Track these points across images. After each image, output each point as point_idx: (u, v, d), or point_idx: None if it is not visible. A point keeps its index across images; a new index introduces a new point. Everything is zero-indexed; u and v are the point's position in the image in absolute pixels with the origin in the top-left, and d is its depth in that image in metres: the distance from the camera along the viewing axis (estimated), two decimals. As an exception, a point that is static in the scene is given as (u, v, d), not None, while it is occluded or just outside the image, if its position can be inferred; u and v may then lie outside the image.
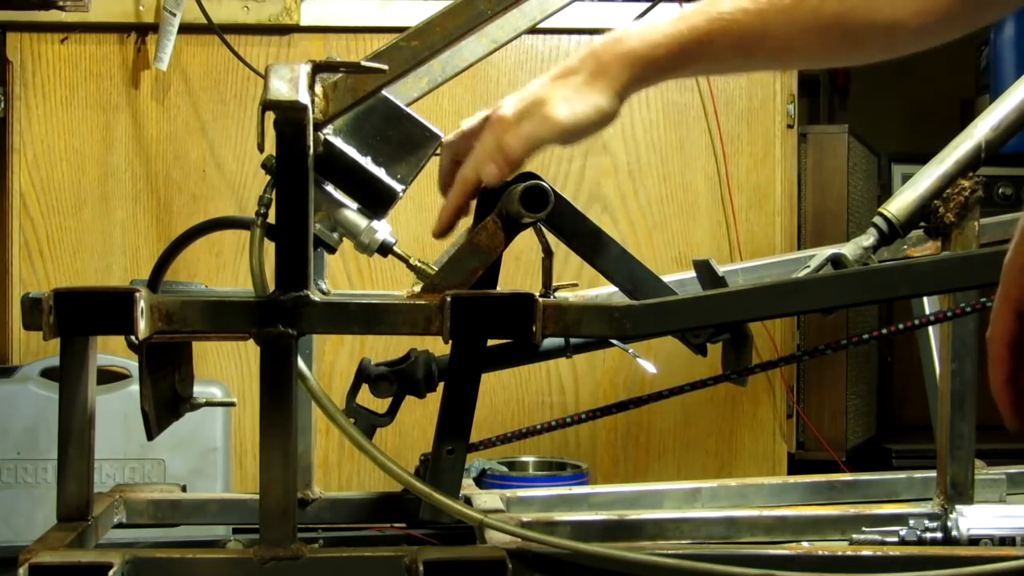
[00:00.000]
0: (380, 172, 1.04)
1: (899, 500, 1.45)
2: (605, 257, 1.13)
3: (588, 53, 1.01)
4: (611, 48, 0.99)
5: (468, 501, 1.24)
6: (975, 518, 1.30)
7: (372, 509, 1.31)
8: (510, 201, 1.01)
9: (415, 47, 0.99)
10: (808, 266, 1.21)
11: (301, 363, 0.98)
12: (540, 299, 0.98)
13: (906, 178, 1.35)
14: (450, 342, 1.01)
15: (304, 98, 0.91)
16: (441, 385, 1.11)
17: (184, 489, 1.29)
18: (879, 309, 2.42)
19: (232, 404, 1.30)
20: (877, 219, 1.27)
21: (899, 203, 1.27)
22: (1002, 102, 1.31)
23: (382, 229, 1.07)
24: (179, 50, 1.88)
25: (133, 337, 0.96)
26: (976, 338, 1.34)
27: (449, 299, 0.96)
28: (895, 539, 1.27)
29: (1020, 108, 1.30)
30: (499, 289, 1.05)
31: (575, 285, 1.23)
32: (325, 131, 1.02)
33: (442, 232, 1.07)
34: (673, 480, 1.51)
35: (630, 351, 1.27)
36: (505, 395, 1.99)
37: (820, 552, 1.04)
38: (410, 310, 0.98)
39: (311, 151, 0.95)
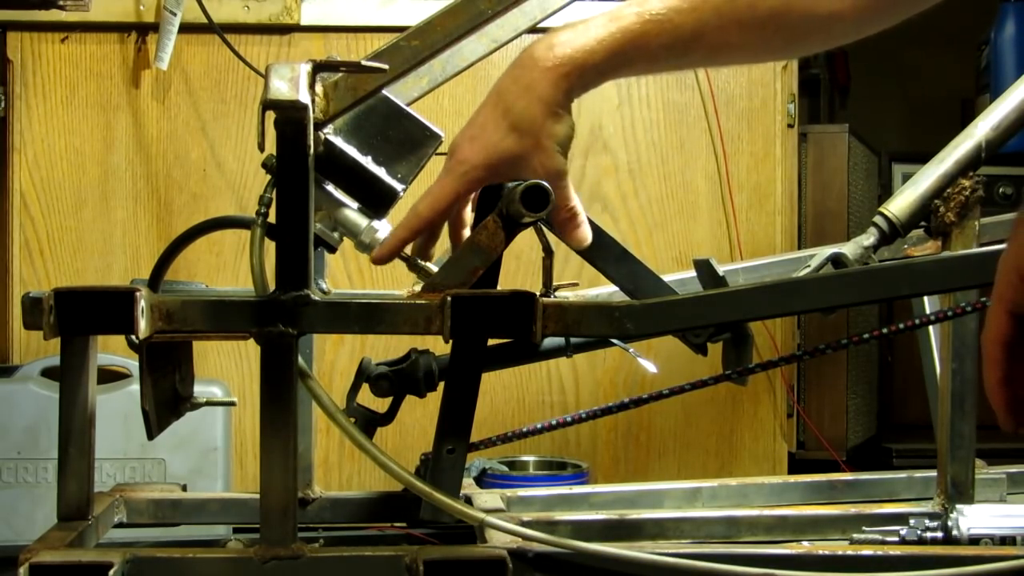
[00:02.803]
0: (381, 172, 1.04)
1: (899, 500, 1.45)
2: (605, 256, 1.13)
3: (519, 67, 0.99)
4: (543, 60, 0.97)
5: (468, 500, 1.24)
6: (975, 517, 1.30)
7: (372, 509, 1.31)
8: (511, 201, 1.01)
9: (415, 47, 0.99)
10: (808, 265, 1.21)
11: (302, 362, 0.98)
12: (541, 299, 0.98)
13: (906, 178, 1.35)
14: (450, 342, 1.01)
15: (304, 98, 0.91)
16: (441, 385, 1.11)
17: (184, 489, 1.29)
18: (879, 309, 2.42)
19: (232, 404, 1.30)
20: (877, 218, 1.27)
21: (899, 203, 1.27)
22: (1002, 102, 1.31)
23: (383, 229, 1.07)
24: (179, 50, 1.88)
25: (133, 336, 0.96)
26: (976, 337, 1.34)
27: (449, 299, 0.96)
28: (895, 539, 1.27)
29: (1020, 108, 1.30)
30: (499, 288, 1.05)
31: (575, 285, 1.23)
32: (325, 131, 1.02)
33: (380, 259, 1.04)
34: (673, 480, 1.50)
35: (630, 351, 1.27)
36: (505, 395, 1.99)
37: (820, 552, 1.04)
38: (410, 310, 0.98)
39: (311, 151, 0.95)
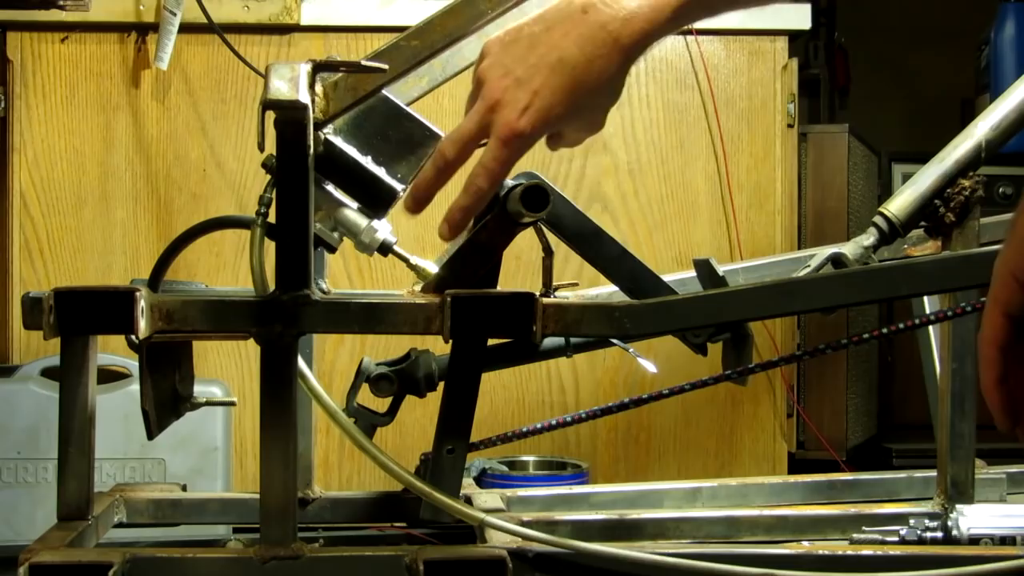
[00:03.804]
0: (380, 171, 1.04)
1: (899, 499, 1.45)
2: (605, 256, 1.13)
3: (590, 38, 0.92)
4: (620, 36, 0.92)
5: (468, 500, 1.24)
6: (975, 517, 1.30)
7: (372, 509, 1.31)
8: (510, 201, 1.01)
9: (415, 46, 0.99)
10: (808, 265, 1.21)
11: (301, 362, 0.98)
12: (541, 299, 0.98)
13: (906, 178, 1.35)
14: (450, 342, 1.01)
15: (304, 97, 0.91)
16: (441, 384, 1.12)
17: (184, 488, 1.29)
18: (879, 309, 2.42)
19: (232, 403, 1.30)
20: (877, 218, 1.27)
21: (899, 202, 1.27)
22: (1002, 101, 1.31)
23: (382, 228, 1.07)
24: (179, 49, 1.88)
25: (134, 336, 0.96)
26: (976, 337, 1.34)
27: (449, 299, 0.96)
28: (895, 538, 1.27)
29: (1020, 108, 1.30)
30: (499, 288, 1.05)
31: (575, 285, 1.23)
32: (325, 130, 1.02)
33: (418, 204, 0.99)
34: (673, 480, 1.50)
35: (630, 350, 1.27)
36: (505, 394, 1.99)
37: (820, 551, 1.04)
38: (410, 310, 0.98)
39: (311, 151, 0.95)
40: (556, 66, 0.93)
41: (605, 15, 0.92)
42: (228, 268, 1.93)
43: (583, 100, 0.94)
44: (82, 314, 0.94)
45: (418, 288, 1.05)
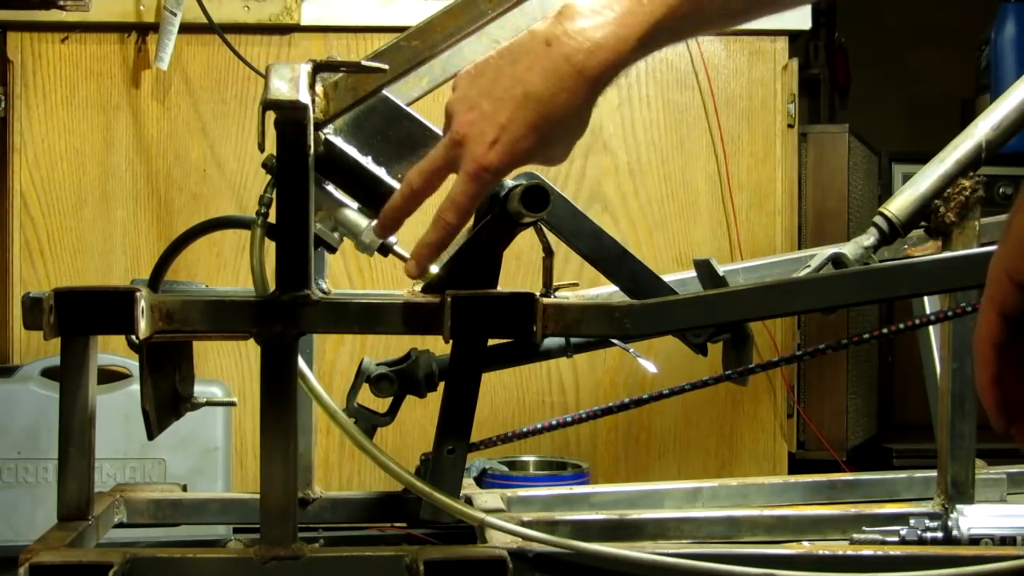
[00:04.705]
0: (381, 172, 1.04)
1: (900, 500, 1.45)
2: (606, 257, 1.13)
3: (555, 72, 0.90)
4: (585, 68, 0.90)
5: (469, 501, 1.24)
6: (976, 517, 1.30)
7: (373, 509, 1.31)
8: (511, 201, 1.01)
9: (416, 47, 0.99)
10: (809, 265, 1.21)
11: (302, 362, 0.98)
12: (541, 299, 0.98)
13: (906, 178, 1.35)
14: (450, 342, 1.01)
15: (305, 98, 0.91)
16: (442, 385, 1.12)
17: (185, 489, 1.29)
18: (879, 309, 2.42)
19: (233, 404, 1.30)
20: (878, 219, 1.27)
21: (899, 203, 1.27)
22: (1002, 102, 1.31)
23: (383, 229, 1.07)
24: (180, 50, 1.88)
25: (134, 337, 0.96)
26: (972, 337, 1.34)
27: (449, 299, 0.96)
28: (895, 539, 1.27)
29: (1020, 108, 1.30)
30: (499, 289, 1.05)
31: (575, 285, 1.23)
32: (326, 131, 1.02)
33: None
34: (674, 480, 1.50)
35: (631, 351, 1.27)
36: (505, 395, 1.99)
37: (821, 552, 1.05)
38: (410, 310, 0.98)
39: (311, 151, 0.95)
40: (522, 100, 0.91)
41: (568, 47, 0.90)
42: (228, 268, 1.93)
43: (550, 133, 0.93)
44: (82, 314, 0.94)
45: (418, 288, 1.05)
